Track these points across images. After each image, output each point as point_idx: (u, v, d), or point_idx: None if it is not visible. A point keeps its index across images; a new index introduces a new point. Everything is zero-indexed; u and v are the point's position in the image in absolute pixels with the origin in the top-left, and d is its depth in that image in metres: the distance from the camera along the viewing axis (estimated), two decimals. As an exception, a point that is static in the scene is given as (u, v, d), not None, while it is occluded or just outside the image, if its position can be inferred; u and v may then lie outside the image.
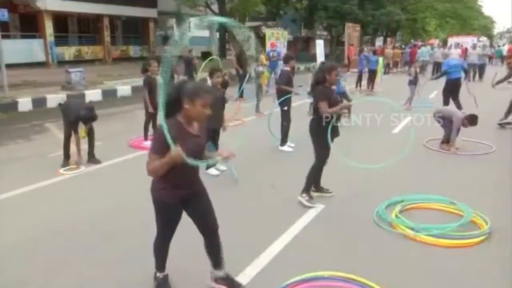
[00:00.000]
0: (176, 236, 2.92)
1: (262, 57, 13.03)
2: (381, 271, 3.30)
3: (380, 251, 3.67)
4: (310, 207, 4.53)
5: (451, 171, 5.95)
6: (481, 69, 18.50)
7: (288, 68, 7.05)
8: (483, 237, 3.79)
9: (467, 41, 26.79)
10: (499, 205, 4.64)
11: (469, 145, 7.15)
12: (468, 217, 4.08)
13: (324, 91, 4.51)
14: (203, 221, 2.89)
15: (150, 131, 7.08)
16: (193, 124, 2.63)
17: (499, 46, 34.60)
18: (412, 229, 3.91)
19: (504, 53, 26.37)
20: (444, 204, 4.55)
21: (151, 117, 7.12)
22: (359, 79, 15.16)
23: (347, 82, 10.57)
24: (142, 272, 3.27)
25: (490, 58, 24.32)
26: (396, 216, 4.20)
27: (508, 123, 8.61)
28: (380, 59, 16.37)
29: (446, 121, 6.91)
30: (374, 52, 18.25)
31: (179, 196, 2.74)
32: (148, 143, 7.07)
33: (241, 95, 9.83)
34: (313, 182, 4.78)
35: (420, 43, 31.87)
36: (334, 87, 4.98)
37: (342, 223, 4.23)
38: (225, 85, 6.16)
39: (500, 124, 8.66)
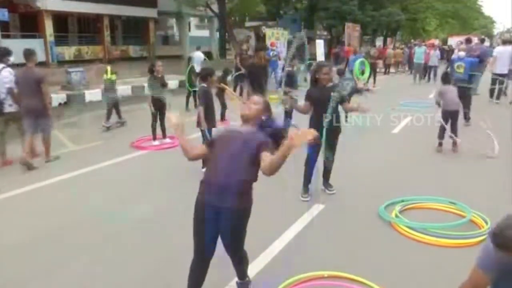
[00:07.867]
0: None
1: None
2: (381, 271, 3.30)
3: (380, 251, 3.67)
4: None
5: (451, 171, 5.95)
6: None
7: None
8: (483, 237, 3.79)
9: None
10: (499, 205, 4.63)
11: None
12: (468, 217, 4.09)
13: (310, 91, 4.72)
14: (222, 240, 2.63)
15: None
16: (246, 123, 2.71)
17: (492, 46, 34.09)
18: (412, 228, 3.92)
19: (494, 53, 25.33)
20: (444, 204, 4.55)
21: (155, 116, 7.09)
22: None
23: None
24: (143, 272, 3.28)
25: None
26: (396, 216, 4.21)
27: None
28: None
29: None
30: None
31: (206, 193, 2.53)
32: (156, 143, 7.08)
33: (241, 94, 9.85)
34: None
35: (414, 42, 31.20)
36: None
37: (342, 223, 4.23)
38: None
39: None
